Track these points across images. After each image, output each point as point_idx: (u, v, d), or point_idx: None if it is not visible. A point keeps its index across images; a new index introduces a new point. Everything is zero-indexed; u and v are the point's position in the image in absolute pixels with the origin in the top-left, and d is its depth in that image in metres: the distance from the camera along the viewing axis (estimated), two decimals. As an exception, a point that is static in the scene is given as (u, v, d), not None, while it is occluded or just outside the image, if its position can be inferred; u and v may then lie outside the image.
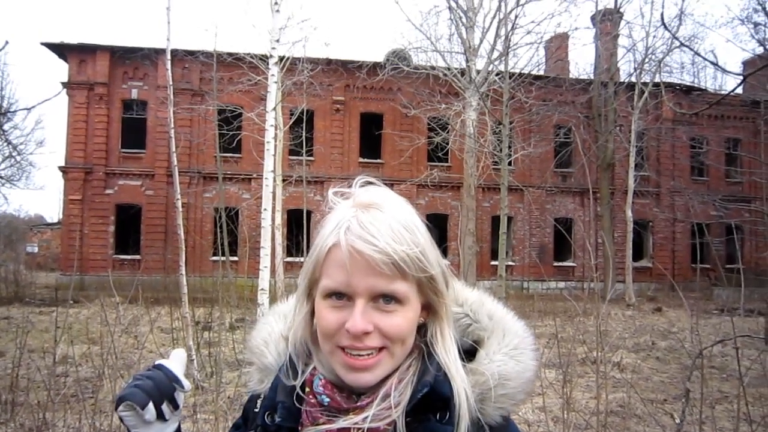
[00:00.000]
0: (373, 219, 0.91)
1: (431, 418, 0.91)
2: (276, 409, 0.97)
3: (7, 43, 2.96)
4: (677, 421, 4.90)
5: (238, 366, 8.24)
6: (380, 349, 0.91)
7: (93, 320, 11.15)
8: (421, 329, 0.99)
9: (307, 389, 0.97)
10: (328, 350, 0.94)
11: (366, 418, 0.90)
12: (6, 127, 32.50)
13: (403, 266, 0.90)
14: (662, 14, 20.73)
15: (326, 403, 0.94)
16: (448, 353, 0.97)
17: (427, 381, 0.92)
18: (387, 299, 0.91)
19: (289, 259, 21.89)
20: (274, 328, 1.09)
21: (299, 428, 0.95)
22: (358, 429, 0.90)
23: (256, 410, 1.02)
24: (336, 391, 0.95)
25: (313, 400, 0.95)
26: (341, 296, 0.91)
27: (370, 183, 1.00)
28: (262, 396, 1.03)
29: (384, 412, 0.91)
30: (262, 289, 8.82)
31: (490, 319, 1.03)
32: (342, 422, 0.91)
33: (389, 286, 0.90)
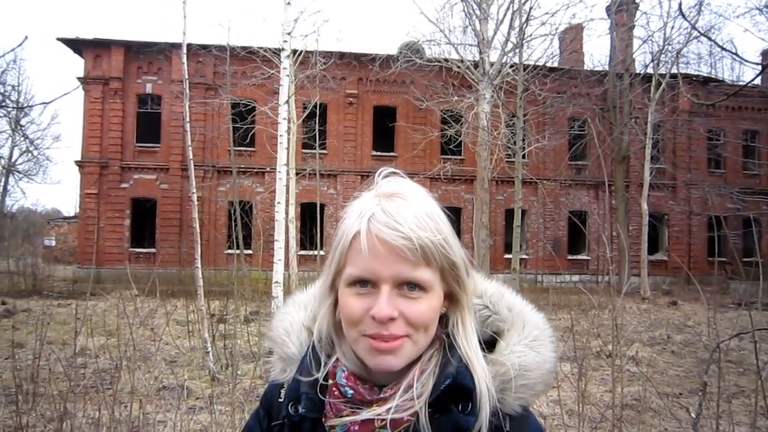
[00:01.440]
0: (397, 207, 0.93)
1: (453, 409, 0.93)
2: (300, 400, 0.98)
3: (26, 38, 2.98)
4: (693, 415, 4.87)
5: (253, 358, 8.31)
6: (404, 336, 0.92)
7: (110, 313, 11.28)
8: (442, 319, 1.00)
9: (330, 381, 0.98)
10: (353, 338, 0.95)
11: (389, 409, 0.92)
12: (23, 122, 33.03)
13: (427, 253, 0.91)
14: (680, 4, 20.42)
15: (350, 395, 0.95)
16: (469, 343, 0.98)
17: (449, 372, 0.94)
18: (411, 286, 0.92)
19: (303, 252, 22.00)
20: (294, 318, 1.09)
21: (323, 419, 0.96)
22: (382, 420, 0.92)
23: (281, 400, 1.03)
24: (359, 383, 0.96)
25: (336, 392, 0.96)
26: (366, 283, 0.93)
27: (394, 173, 1.01)
28: (284, 385, 1.04)
29: (407, 403, 0.92)
30: (276, 282, 8.89)
31: (510, 311, 1.04)
32: (366, 414, 0.93)
33: (413, 273, 0.91)
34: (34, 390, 4.83)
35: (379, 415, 0.92)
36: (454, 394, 0.93)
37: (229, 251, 23.16)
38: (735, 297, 18.13)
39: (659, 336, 11.89)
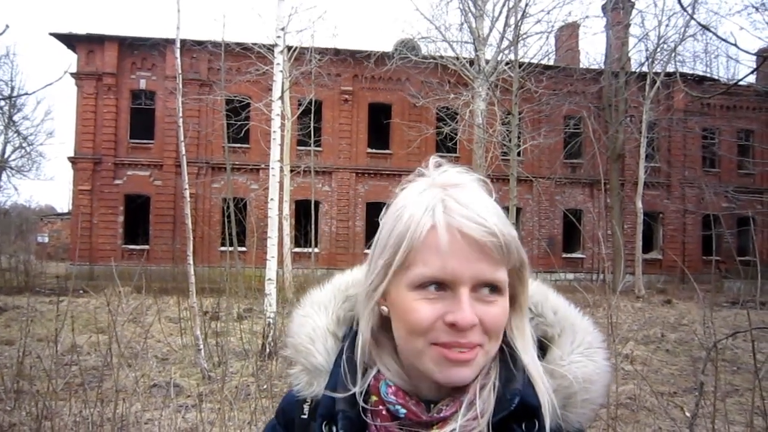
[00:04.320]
0: (470, 198, 0.81)
1: (516, 429, 0.82)
2: (335, 420, 0.86)
3: (7, 27, 2.90)
4: (688, 414, 4.83)
5: (245, 356, 8.24)
6: (478, 345, 0.81)
7: (102, 310, 11.20)
8: None
9: (374, 398, 0.86)
10: (419, 348, 0.82)
11: (453, 431, 0.80)
12: (16, 117, 32.79)
13: (509, 251, 0.81)
14: (678, -2, 20.41)
15: (402, 415, 0.83)
16: (528, 354, 0.87)
17: (516, 389, 0.83)
18: (489, 288, 0.81)
19: (297, 249, 21.91)
20: (317, 323, 0.96)
21: None
22: None
23: (304, 416, 0.92)
24: (408, 400, 0.85)
25: (384, 412, 0.84)
26: (437, 286, 0.80)
27: (442, 163, 0.90)
28: (309, 401, 0.92)
29: (470, 423, 0.81)
30: (269, 279, 8.82)
31: (555, 314, 0.94)
32: None
33: (495, 273, 0.80)
34: (18, 388, 4.75)
35: None
36: (516, 412, 0.82)
37: (223, 248, 23.06)
38: (729, 296, 18.15)
39: (653, 334, 11.87)
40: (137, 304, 8.59)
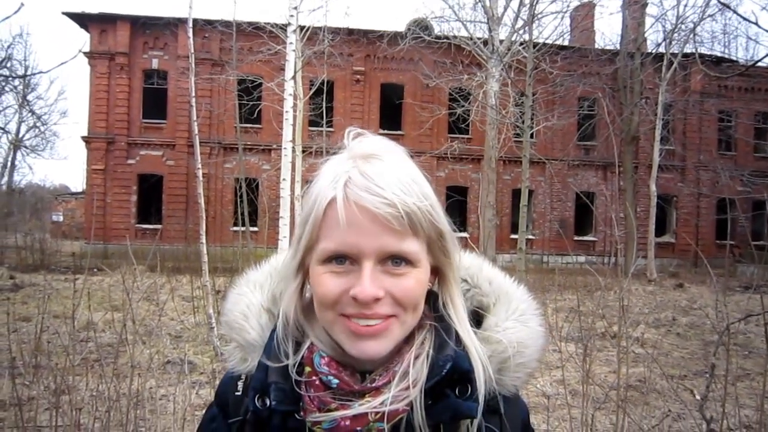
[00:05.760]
0: (376, 169, 0.81)
1: (450, 394, 0.83)
2: (268, 392, 0.85)
3: (22, 5, 2.91)
4: (698, 397, 4.84)
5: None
6: (389, 316, 0.82)
7: (116, 288, 11.35)
8: (429, 297, 0.91)
9: (307, 369, 0.85)
10: (329, 320, 0.84)
11: (386, 400, 0.80)
12: (30, 97, 33.03)
13: (415, 221, 0.81)
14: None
15: (334, 385, 0.83)
16: (460, 322, 0.89)
17: (448, 356, 0.84)
18: (397, 261, 0.81)
19: (309, 230, 21.92)
20: (251, 300, 0.96)
21: (302, 413, 0.83)
22: (377, 413, 0.80)
23: (238, 393, 0.92)
24: (342, 370, 0.85)
25: (317, 382, 0.84)
26: (343, 260, 0.81)
27: (362, 135, 0.90)
28: (243, 377, 0.93)
29: (403, 393, 0.81)
30: (281, 259, 8.85)
31: (490, 285, 0.97)
32: (359, 407, 0.80)
33: (400, 245, 0.81)
34: (36, 363, 4.85)
35: (374, 408, 0.80)
36: (449, 379, 0.84)
37: (235, 228, 23.18)
38: (742, 280, 18.02)
39: (665, 318, 11.86)
40: (151, 283, 8.69)
